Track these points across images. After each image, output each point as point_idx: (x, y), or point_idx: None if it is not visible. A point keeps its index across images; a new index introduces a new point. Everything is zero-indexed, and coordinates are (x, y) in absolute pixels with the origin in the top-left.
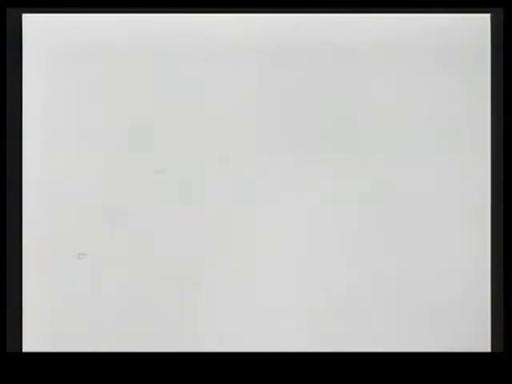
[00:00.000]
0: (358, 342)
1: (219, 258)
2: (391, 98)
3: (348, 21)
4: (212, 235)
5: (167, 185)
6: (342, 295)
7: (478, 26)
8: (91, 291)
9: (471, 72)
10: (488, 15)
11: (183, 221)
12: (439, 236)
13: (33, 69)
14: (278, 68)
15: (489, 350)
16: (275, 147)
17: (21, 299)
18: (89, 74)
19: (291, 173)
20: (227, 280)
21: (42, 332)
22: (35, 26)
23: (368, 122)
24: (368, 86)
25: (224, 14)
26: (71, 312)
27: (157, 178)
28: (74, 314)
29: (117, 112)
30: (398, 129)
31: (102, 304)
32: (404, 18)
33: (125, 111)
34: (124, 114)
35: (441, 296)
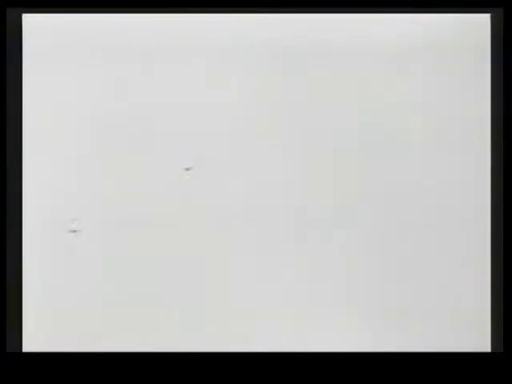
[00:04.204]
0: None
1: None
2: (391, 97)
3: (349, 20)
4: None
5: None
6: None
7: (477, 26)
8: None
9: (471, 72)
10: (488, 15)
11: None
12: (438, 236)
13: (33, 69)
14: (279, 67)
15: (489, 349)
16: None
17: (21, 299)
18: (89, 74)
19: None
20: None
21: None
22: (35, 26)
23: (369, 121)
24: (368, 86)
25: (224, 14)
26: (72, 311)
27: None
28: (74, 313)
29: (116, 111)
30: (398, 128)
31: (100, 302)
32: (404, 18)
33: (125, 110)
34: (124, 113)
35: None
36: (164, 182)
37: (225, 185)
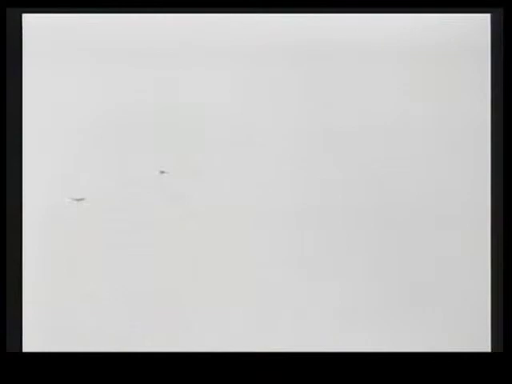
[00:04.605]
0: None
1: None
2: (390, 97)
3: (349, 20)
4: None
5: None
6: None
7: (476, 25)
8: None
9: (471, 72)
10: (488, 15)
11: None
12: (438, 235)
13: (33, 69)
14: (278, 67)
15: (489, 349)
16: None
17: (21, 299)
18: (89, 74)
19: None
20: None
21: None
22: (35, 26)
23: (368, 120)
24: (368, 85)
25: (223, 14)
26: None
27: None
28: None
29: (116, 110)
30: (397, 128)
31: (98, 307)
32: (404, 18)
33: (125, 109)
34: (124, 112)
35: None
36: (162, 181)
37: (225, 184)
